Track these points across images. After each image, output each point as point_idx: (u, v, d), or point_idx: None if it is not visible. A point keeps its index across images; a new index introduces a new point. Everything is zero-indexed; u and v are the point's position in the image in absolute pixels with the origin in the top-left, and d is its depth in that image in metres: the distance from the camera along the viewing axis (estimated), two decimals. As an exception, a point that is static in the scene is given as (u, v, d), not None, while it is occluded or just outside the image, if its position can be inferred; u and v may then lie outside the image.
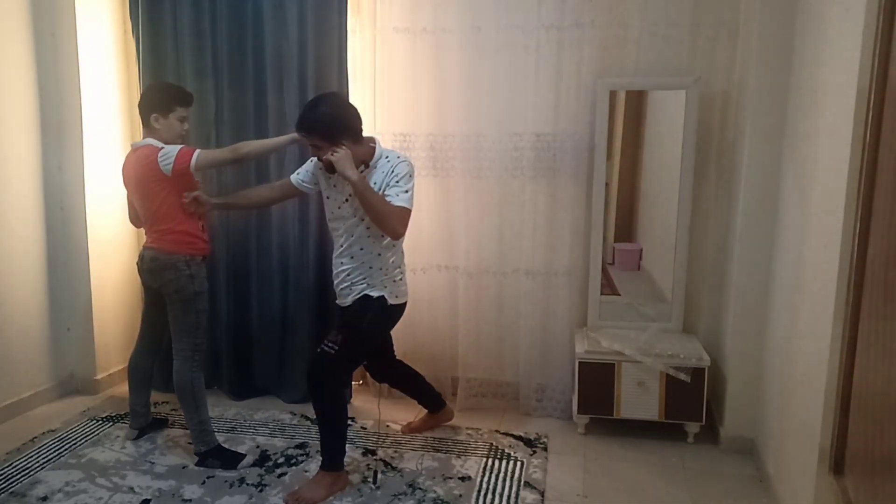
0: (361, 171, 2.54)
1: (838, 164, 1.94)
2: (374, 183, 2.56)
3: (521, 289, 3.34)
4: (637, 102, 3.33)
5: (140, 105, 2.78)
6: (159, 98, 2.75)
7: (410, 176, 2.59)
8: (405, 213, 2.55)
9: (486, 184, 3.31)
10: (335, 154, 2.46)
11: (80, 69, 3.34)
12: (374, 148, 2.62)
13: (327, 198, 2.70)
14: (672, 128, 3.14)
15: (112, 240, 3.60)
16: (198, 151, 2.66)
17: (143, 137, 2.78)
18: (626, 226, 3.49)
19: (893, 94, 1.51)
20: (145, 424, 3.09)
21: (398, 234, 2.59)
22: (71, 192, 3.44)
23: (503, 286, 3.38)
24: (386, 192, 2.54)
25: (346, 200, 2.61)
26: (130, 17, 3.50)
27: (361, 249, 2.63)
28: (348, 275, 2.65)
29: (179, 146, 2.68)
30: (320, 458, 2.62)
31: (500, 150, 3.26)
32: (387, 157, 2.62)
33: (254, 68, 3.35)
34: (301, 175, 2.79)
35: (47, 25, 3.33)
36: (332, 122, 2.49)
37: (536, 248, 3.28)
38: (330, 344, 2.55)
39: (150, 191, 2.71)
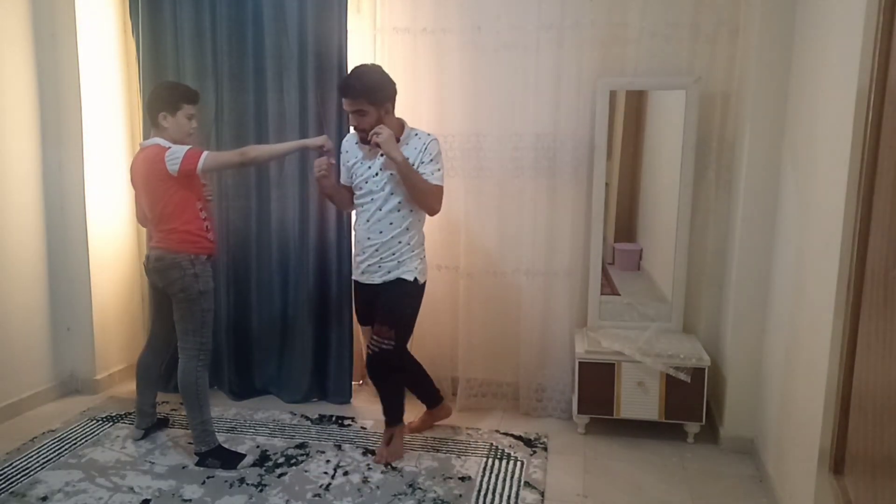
0: None
1: (838, 165, 1.94)
2: (408, 158, 2.64)
3: (521, 289, 3.34)
4: (637, 102, 3.33)
5: (148, 104, 2.79)
6: (167, 96, 2.76)
7: (440, 154, 2.73)
8: (441, 191, 2.73)
9: (486, 184, 3.31)
10: (379, 136, 2.56)
11: (80, 69, 3.34)
12: (404, 124, 2.72)
13: (353, 173, 2.77)
14: (672, 128, 3.14)
15: (112, 240, 3.61)
16: (206, 153, 2.67)
17: (151, 136, 2.79)
18: (626, 226, 3.49)
19: (893, 94, 1.51)
20: (151, 424, 3.09)
21: (436, 211, 2.76)
22: (71, 192, 3.44)
23: (503, 286, 3.38)
24: (420, 171, 2.65)
25: (376, 175, 2.68)
26: (130, 17, 3.51)
27: (391, 224, 2.71)
28: (376, 250, 2.72)
29: (188, 147, 2.68)
30: (385, 421, 2.91)
31: (500, 150, 3.26)
32: (417, 135, 2.73)
33: (254, 68, 3.35)
34: (343, 178, 2.87)
35: (47, 26, 3.33)
36: (379, 86, 2.62)
37: (536, 248, 3.28)
38: (386, 341, 2.71)
39: (156, 190, 2.71)
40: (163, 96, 2.76)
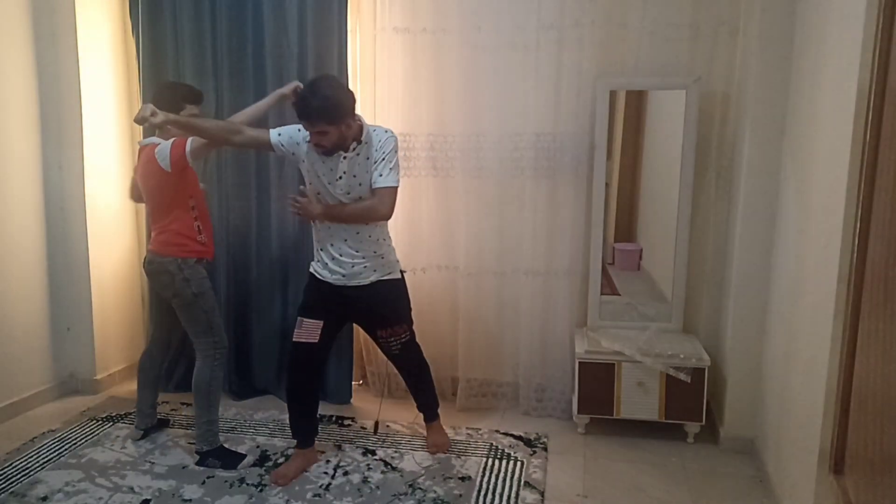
0: (354, 148, 2.60)
1: (838, 164, 1.94)
2: (368, 158, 2.62)
3: (521, 289, 3.33)
4: (637, 102, 3.33)
5: (152, 104, 2.78)
6: (169, 96, 2.76)
7: (395, 150, 2.68)
8: (391, 194, 2.64)
9: (486, 184, 3.30)
10: (301, 211, 2.62)
11: (80, 69, 3.34)
12: (363, 125, 2.66)
13: (315, 173, 2.65)
14: (672, 128, 3.14)
15: (112, 240, 3.60)
16: (191, 138, 2.66)
17: (154, 135, 2.79)
18: (626, 226, 3.49)
19: (893, 94, 1.51)
20: (151, 425, 3.08)
21: (388, 217, 2.69)
22: (71, 192, 3.44)
23: (503, 286, 3.38)
24: (374, 170, 2.63)
25: (340, 178, 2.63)
26: (130, 17, 3.51)
27: (365, 225, 2.68)
28: (357, 252, 2.69)
29: (172, 138, 2.68)
30: (422, 416, 3.05)
31: (500, 150, 3.26)
32: (374, 131, 2.69)
33: (254, 68, 3.35)
34: (282, 137, 2.70)
35: (47, 25, 3.33)
36: (338, 106, 2.50)
37: (536, 248, 3.28)
38: (403, 335, 2.87)
39: (153, 188, 2.73)
40: (165, 96, 2.76)
